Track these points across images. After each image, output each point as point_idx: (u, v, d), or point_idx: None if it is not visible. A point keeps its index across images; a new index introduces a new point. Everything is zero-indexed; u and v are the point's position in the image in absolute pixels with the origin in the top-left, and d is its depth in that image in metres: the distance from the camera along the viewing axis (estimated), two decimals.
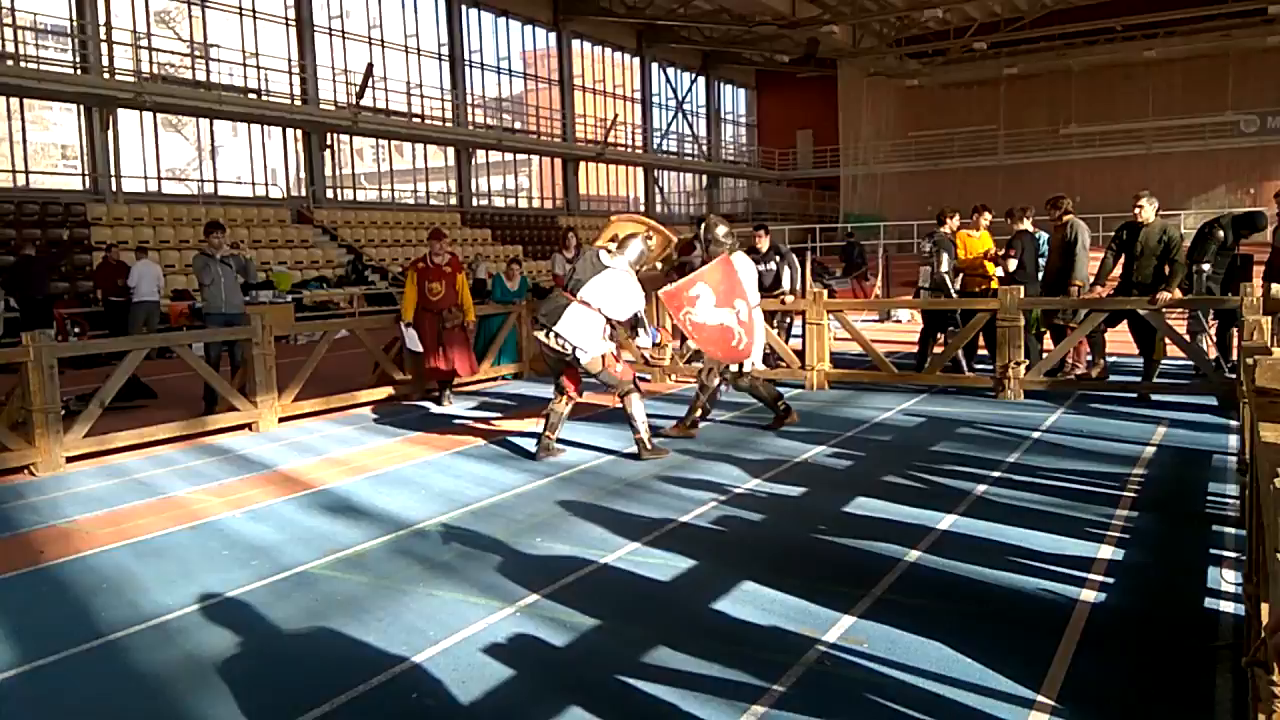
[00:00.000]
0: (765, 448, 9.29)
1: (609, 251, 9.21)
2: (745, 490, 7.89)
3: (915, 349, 14.05)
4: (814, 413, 10.95)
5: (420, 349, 12.30)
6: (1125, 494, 7.47)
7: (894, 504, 7.32)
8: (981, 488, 7.72)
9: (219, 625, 5.63)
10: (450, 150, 37.65)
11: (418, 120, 35.13)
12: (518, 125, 40.67)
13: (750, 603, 5.67)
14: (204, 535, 7.24)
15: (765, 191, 53.29)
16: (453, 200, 37.45)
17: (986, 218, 13.17)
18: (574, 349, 9.01)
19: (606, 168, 45.62)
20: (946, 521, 6.92)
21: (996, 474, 8.11)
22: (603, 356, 9.09)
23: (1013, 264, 12.37)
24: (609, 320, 9.13)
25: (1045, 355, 11.99)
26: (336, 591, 6.06)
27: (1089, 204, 37.60)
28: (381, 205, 34.42)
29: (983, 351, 12.89)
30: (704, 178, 51.27)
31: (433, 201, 37.86)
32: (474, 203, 37.99)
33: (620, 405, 9.64)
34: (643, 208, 46.69)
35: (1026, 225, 12.67)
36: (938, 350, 12.86)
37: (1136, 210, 11.36)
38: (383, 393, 12.65)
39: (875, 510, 7.20)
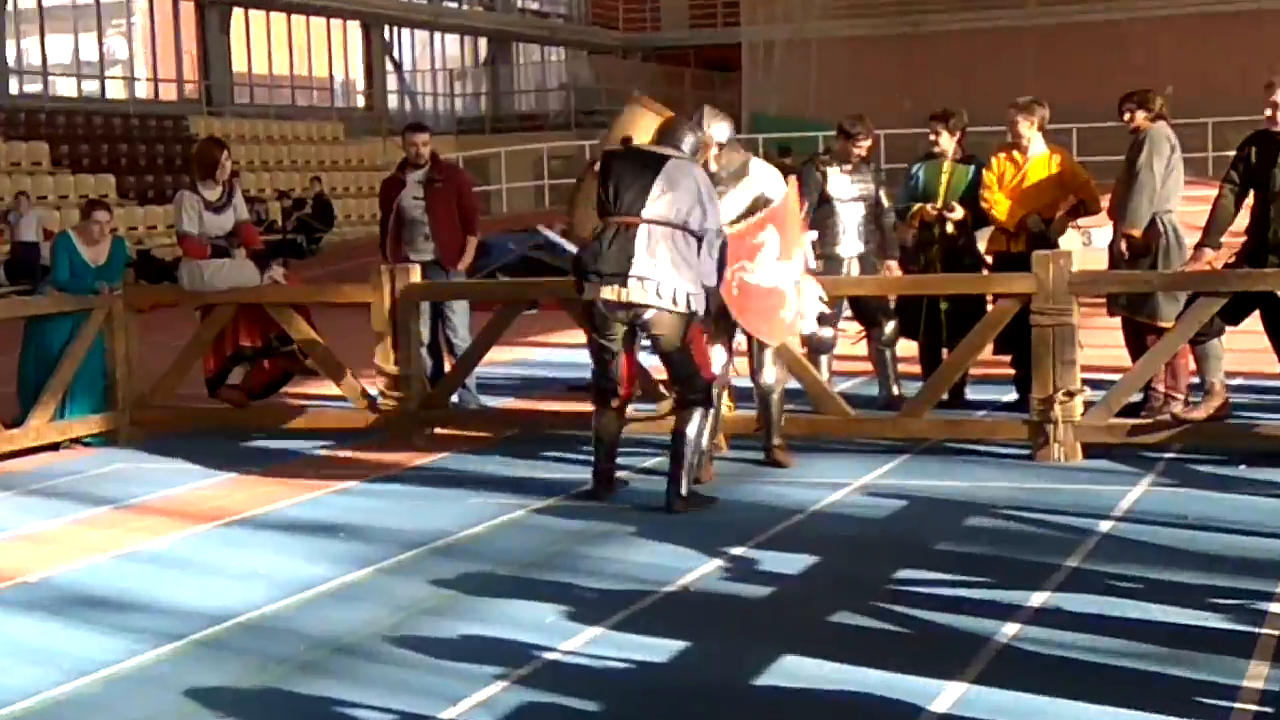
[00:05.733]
0: (608, 567, 6.39)
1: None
2: (553, 659, 5.18)
3: (915, 367, 10.08)
4: (713, 496, 7.63)
5: None
6: (1267, 634, 5.13)
7: (848, 668, 4.93)
8: (1007, 633, 5.26)
9: None
10: None
11: None
12: None
13: None
14: None
15: (600, 71, 39.43)
16: None
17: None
18: (674, 298, 6.94)
19: (288, 22, 35.01)
20: (943, 700, 4.61)
21: (1033, 605, 5.58)
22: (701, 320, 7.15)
23: (956, 213, 9.47)
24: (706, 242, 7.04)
25: (1118, 384, 8.35)
26: None
27: (1189, 100, 22.51)
28: None
29: (995, 373, 9.87)
30: (482, 44, 39.04)
31: None
32: (8, 89, 28.18)
33: (663, 416, 7.83)
34: (357, 102, 37.57)
35: (945, 144, 9.71)
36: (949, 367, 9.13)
37: (1273, 108, 7.78)
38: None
39: (814, 681, 4.85)
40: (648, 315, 7.03)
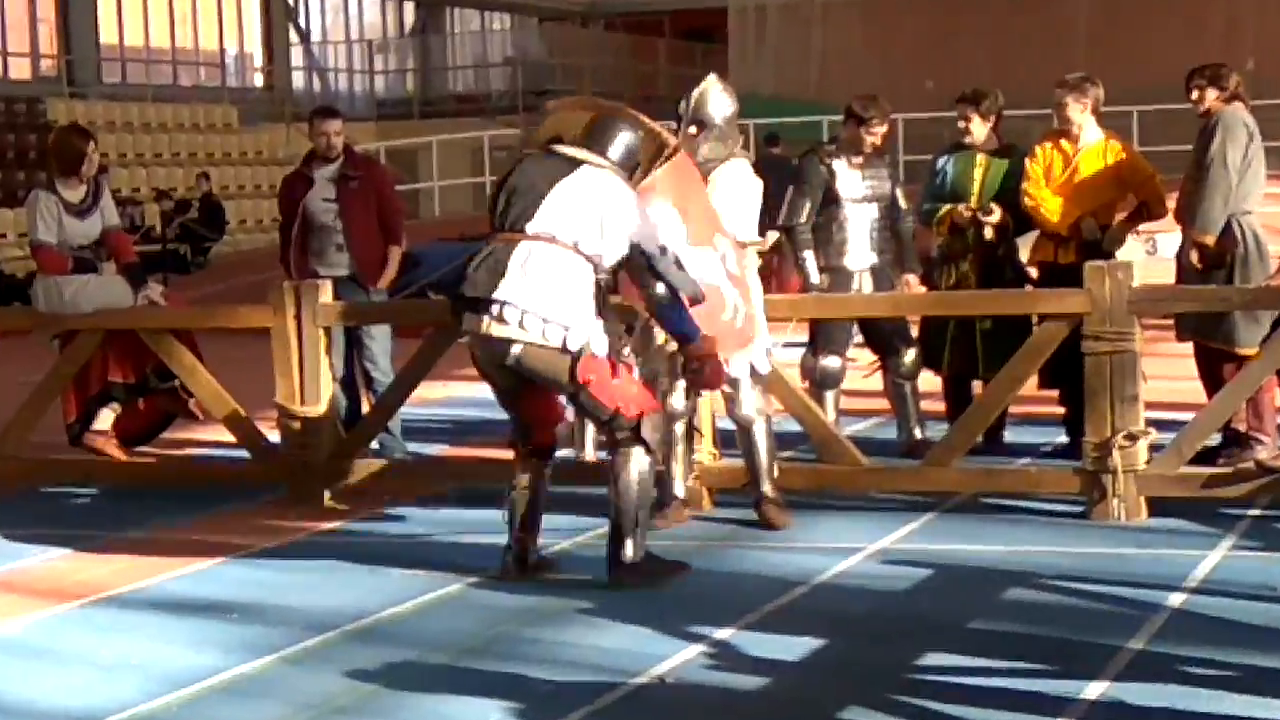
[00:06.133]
0: (565, 654, 6.47)
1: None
2: None
3: (939, 405, 10.29)
4: (683, 561, 7.68)
5: None
6: None
7: None
8: None
9: None
10: None
11: None
12: None
13: None
14: None
15: (554, 42, 40.72)
16: None
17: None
18: (543, 333, 6.86)
19: None
20: None
21: (1088, 697, 5.68)
22: (593, 356, 6.95)
23: (995, 216, 9.62)
24: (601, 273, 7.05)
25: (1191, 424, 8.51)
26: None
27: (1275, 77, 24.63)
28: None
29: (1039, 411, 10.12)
30: (409, 10, 40.67)
31: None
32: None
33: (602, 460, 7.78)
34: (254, 81, 38.97)
35: (977, 131, 9.84)
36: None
37: None
38: None
39: None
40: (515, 350, 6.95)
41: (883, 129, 9.99)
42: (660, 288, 7.15)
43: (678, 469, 8.51)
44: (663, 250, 7.14)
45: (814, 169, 9.88)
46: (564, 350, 6.91)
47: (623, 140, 7.31)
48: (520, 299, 6.86)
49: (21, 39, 34.58)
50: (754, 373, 8.25)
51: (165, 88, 35.73)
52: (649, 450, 7.17)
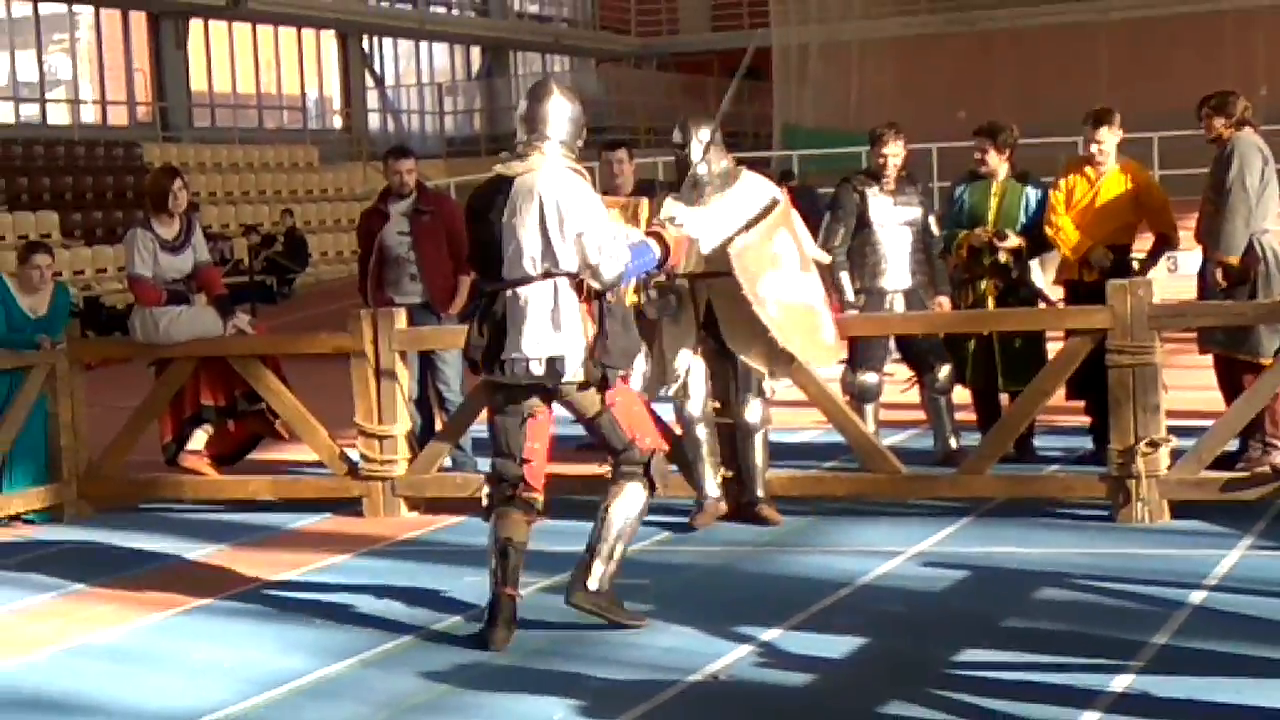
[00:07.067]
0: (625, 654, 6.39)
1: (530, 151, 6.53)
2: None
3: (972, 416, 10.09)
4: (728, 568, 7.82)
5: None
6: None
7: None
8: None
9: None
10: None
11: None
12: None
13: None
14: None
15: (611, 82, 39.96)
16: None
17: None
18: (548, 363, 6.40)
19: (253, 34, 35.80)
20: None
21: (1116, 689, 5.62)
22: (624, 382, 6.60)
23: (1010, 241, 9.56)
24: (591, 283, 6.42)
25: (1210, 431, 8.44)
26: None
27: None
28: None
29: (1067, 421, 10.02)
30: (475, 54, 39.72)
31: None
32: None
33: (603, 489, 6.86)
34: (333, 123, 38.32)
35: (993, 163, 9.83)
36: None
37: None
38: None
39: None
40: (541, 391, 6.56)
41: (897, 149, 9.88)
42: (609, 274, 6.48)
43: (707, 470, 8.49)
44: (609, 238, 6.53)
45: (847, 196, 9.85)
46: (585, 381, 6.50)
47: (561, 112, 6.61)
48: (526, 350, 6.44)
49: (119, 88, 34.81)
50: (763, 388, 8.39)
51: (251, 130, 35.85)
52: (651, 488, 6.70)
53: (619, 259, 6.51)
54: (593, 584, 6.58)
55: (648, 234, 7.05)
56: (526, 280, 6.47)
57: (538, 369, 6.46)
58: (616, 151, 10.01)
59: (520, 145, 6.65)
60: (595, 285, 6.48)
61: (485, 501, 6.82)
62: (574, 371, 6.47)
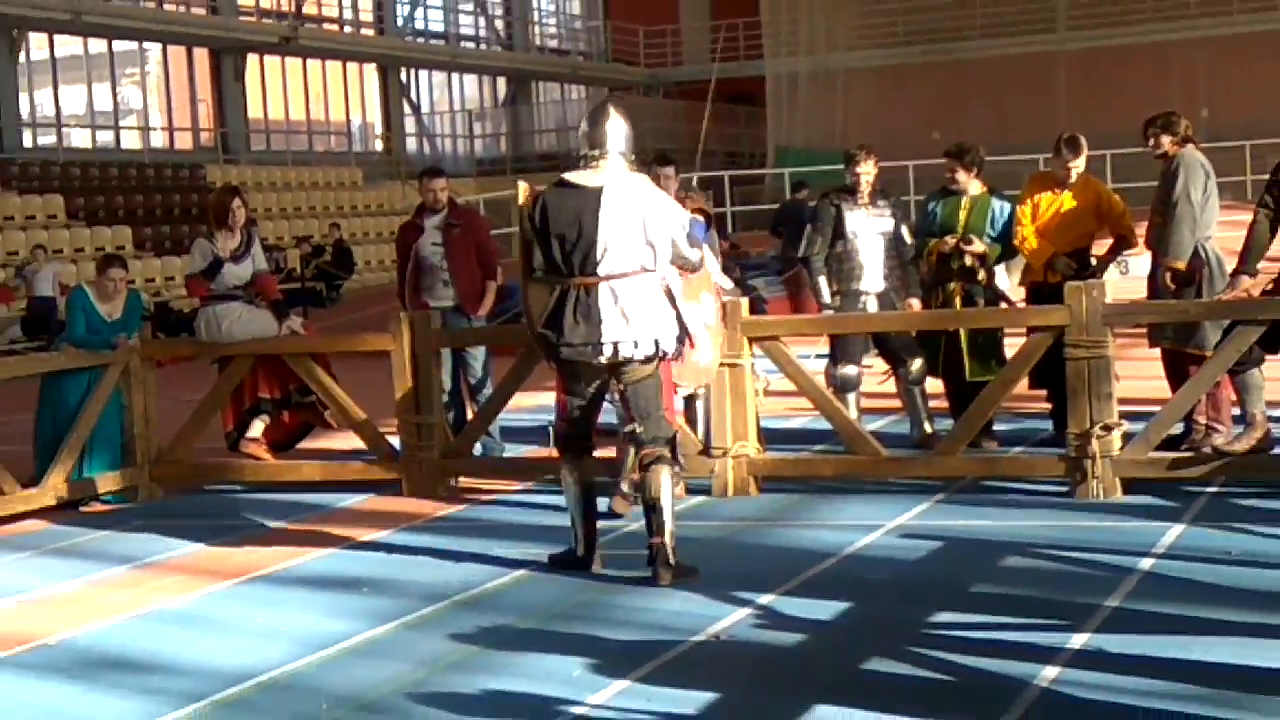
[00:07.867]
0: (635, 617, 6.36)
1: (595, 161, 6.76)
2: (581, 714, 5.12)
3: (943, 403, 9.94)
4: (728, 540, 7.74)
5: None
6: None
7: (884, 717, 4.89)
8: (1046, 677, 5.24)
9: None
10: None
11: None
12: None
13: None
14: None
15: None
16: None
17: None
18: (657, 345, 6.72)
19: (303, 67, 35.31)
20: None
21: (1073, 646, 5.56)
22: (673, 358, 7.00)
23: (976, 246, 9.46)
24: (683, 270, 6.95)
25: (1158, 416, 8.26)
26: None
27: (1226, 123, 23.74)
28: None
29: (1030, 407, 9.91)
30: (501, 84, 38.99)
31: None
32: (22, 142, 28.22)
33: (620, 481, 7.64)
34: (375, 146, 37.69)
35: (963, 180, 9.73)
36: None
37: None
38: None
39: None
40: (630, 368, 6.75)
41: (865, 167, 9.76)
42: (695, 259, 7.02)
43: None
44: (691, 238, 6.92)
45: (825, 210, 9.84)
46: (658, 357, 6.79)
47: (618, 130, 6.80)
48: (626, 334, 6.65)
49: (184, 116, 34.78)
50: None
51: (302, 153, 35.78)
52: (678, 467, 6.98)
53: (697, 246, 6.95)
54: (672, 560, 6.76)
55: None
56: (624, 274, 6.67)
57: (646, 349, 6.70)
58: (666, 167, 9.76)
59: (585, 159, 6.82)
60: (687, 271, 7.03)
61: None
62: (672, 350, 6.81)
